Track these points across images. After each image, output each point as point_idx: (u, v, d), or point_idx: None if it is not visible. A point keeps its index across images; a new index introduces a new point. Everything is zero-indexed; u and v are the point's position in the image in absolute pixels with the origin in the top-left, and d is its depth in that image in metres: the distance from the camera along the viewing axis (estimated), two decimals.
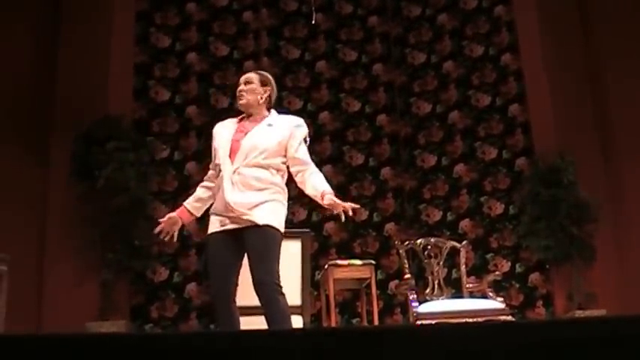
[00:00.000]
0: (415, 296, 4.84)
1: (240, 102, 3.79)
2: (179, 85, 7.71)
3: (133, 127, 7.30)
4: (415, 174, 7.66)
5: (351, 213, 3.57)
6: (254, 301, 3.52)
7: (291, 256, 4.91)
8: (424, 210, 7.54)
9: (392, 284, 7.19)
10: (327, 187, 3.63)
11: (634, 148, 7.13)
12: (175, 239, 3.82)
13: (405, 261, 5.15)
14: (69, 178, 6.91)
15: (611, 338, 2.13)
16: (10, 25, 6.87)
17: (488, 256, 7.34)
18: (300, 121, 3.81)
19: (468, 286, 5.22)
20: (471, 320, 4.61)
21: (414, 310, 4.77)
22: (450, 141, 7.71)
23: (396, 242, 5.41)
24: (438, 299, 5.04)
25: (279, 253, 3.55)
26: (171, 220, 3.77)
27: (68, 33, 7.42)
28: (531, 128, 7.59)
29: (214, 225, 3.64)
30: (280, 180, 3.68)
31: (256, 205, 3.53)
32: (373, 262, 5.69)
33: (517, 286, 7.22)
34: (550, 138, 7.35)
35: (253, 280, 3.47)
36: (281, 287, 3.48)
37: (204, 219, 3.89)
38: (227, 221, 3.58)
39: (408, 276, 5.02)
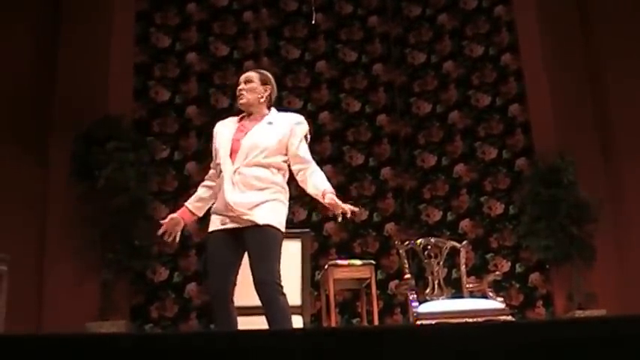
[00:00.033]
0: (415, 296, 4.84)
1: (241, 101, 3.78)
2: (179, 85, 7.71)
3: (133, 127, 7.31)
4: (415, 174, 7.66)
5: (349, 215, 3.57)
6: (254, 301, 3.51)
7: (291, 256, 4.91)
8: (424, 210, 7.54)
9: (392, 284, 7.19)
10: (328, 186, 3.63)
11: (634, 148, 7.13)
12: (177, 239, 3.82)
13: (405, 261, 5.15)
14: (69, 178, 6.91)
15: (611, 338, 2.13)
16: (10, 25, 6.87)
17: (488, 256, 7.34)
18: (301, 118, 3.81)
19: (468, 286, 5.22)
20: (471, 320, 4.62)
21: (414, 310, 4.77)
22: (450, 141, 7.71)
23: (396, 242, 5.42)
24: (438, 299, 5.04)
25: (279, 252, 3.55)
26: (173, 221, 3.76)
27: (68, 33, 7.42)
28: (531, 128, 7.59)
29: (215, 224, 3.63)
30: (281, 179, 3.67)
31: (257, 205, 3.53)
32: (373, 262, 5.69)
33: (517, 286, 7.21)
34: (550, 138, 7.35)
35: (254, 280, 3.47)
36: (282, 287, 3.47)
37: (204, 219, 3.89)
38: (227, 220, 3.57)
39: (408, 276, 5.02)
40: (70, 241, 6.74)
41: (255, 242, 3.50)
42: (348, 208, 3.56)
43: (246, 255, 3.56)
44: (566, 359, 2.11)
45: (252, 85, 3.78)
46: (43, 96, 7.14)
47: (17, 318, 5.63)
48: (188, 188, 6.87)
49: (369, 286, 5.60)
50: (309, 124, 3.86)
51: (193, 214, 3.81)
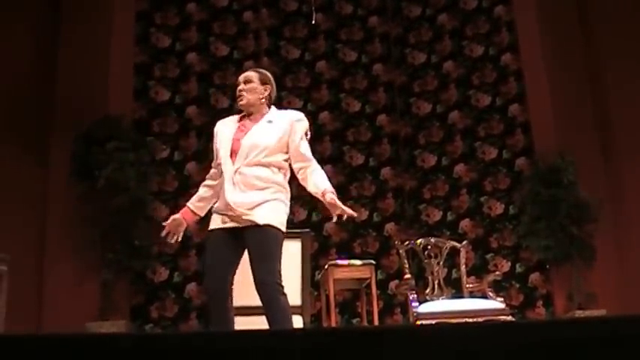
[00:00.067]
0: (415, 296, 4.84)
1: (241, 102, 3.76)
2: (179, 85, 7.71)
3: (133, 127, 7.31)
4: (415, 174, 7.66)
5: (345, 218, 3.56)
6: (254, 301, 3.51)
7: (291, 256, 4.91)
8: (424, 210, 7.54)
9: (392, 284, 7.19)
10: (328, 186, 3.62)
11: (634, 148, 7.13)
12: (180, 239, 3.81)
13: (405, 261, 5.15)
14: (69, 178, 6.91)
15: (611, 338, 2.13)
16: (10, 25, 6.87)
17: (488, 256, 7.34)
18: (301, 115, 3.79)
19: (468, 286, 5.22)
20: (470, 320, 4.62)
21: (414, 310, 4.77)
22: (450, 141, 7.71)
23: (396, 242, 5.41)
24: (438, 299, 5.04)
25: (280, 252, 3.54)
26: (176, 222, 3.75)
27: (68, 33, 7.43)
28: (531, 128, 7.59)
29: (215, 222, 3.63)
30: (282, 179, 3.66)
31: (257, 205, 3.52)
32: (373, 262, 5.69)
33: (517, 286, 7.21)
34: (550, 138, 7.35)
35: (255, 280, 3.46)
36: (283, 287, 3.46)
37: (205, 219, 3.88)
38: (228, 220, 3.57)
39: (408, 276, 5.01)
40: (70, 241, 6.74)
41: (256, 242, 3.50)
42: (347, 210, 3.55)
43: (246, 255, 3.56)
44: (566, 359, 2.11)
45: (252, 85, 3.76)
46: (43, 96, 7.14)
47: (17, 318, 5.63)
48: (188, 188, 6.88)
49: (369, 286, 5.60)
50: (309, 124, 3.85)
51: (195, 214, 3.80)
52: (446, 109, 7.80)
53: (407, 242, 5.29)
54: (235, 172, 3.59)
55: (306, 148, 3.71)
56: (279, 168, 3.66)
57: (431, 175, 7.64)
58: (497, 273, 5.60)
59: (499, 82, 7.82)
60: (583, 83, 7.62)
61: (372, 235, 7.42)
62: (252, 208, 3.51)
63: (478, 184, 7.56)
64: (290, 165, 3.73)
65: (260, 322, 3.52)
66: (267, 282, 3.44)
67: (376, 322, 5.67)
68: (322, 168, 3.76)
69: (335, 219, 3.57)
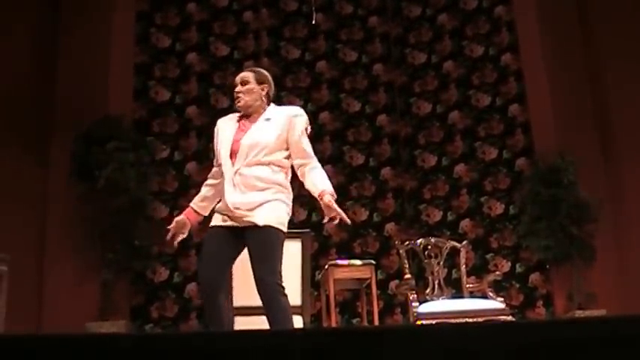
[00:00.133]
0: (415, 296, 4.84)
1: (239, 104, 3.72)
2: (179, 85, 7.71)
3: (133, 127, 7.31)
4: (415, 174, 7.66)
5: (336, 222, 3.53)
6: (254, 301, 3.50)
7: (291, 256, 4.90)
8: (424, 210, 7.54)
9: (392, 284, 7.19)
10: (327, 187, 3.58)
11: (634, 148, 7.13)
12: (184, 237, 3.79)
13: (405, 261, 5.14)
14: (69, 178, 6.91)
15: (611, 338, 2.13)
16: (10, 25, 6.87)
17: (489, 256, 7.34)
18: (299, 110, 3.74)
19: (468, 286, 5.22)
20: (471, 320, 4.61)
21: (414, 310, 4.77)
22: (450, 141, 7.71)
23: (396, 242, 5.42)
24: (438, 299, 5.04)
25: (281, 253, 3.52)
26: (180, 223, 3.73)
27: (68, 33, 7.42)
28: (531, 128, 7.59)
29: (216, 220, 3.61)
30: (283, 179, 3.63)
31: (258, 206, 3.50)
32: (373, 262, 5.69)
33: (517, 286, 7.21)
34: (550, 138, 7.35)
35: (255, 280, 3.44)
36: (283, 288, 3.44)
37: (205, 219, 3.87)
38: (229, 219, 3.56)
39: (408, 276, 5.01)
40: (69, 241, 6.74)
41: (257, 242, 3.48)
42: (342, 215, 3.52)
43: (247, 255, 3.55)
44: (566, 359, 2.11)
45: (249, 86, 3.72)
46: (43, 96, 7.14)
47: (17, 318, 5.63)
48: (188, 188, 6.89)
49: (369, 286, 5.60)
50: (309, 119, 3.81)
51: (199, 213, 3.78)
52: (446, 109, 7.80)
53: (407, 242, 5.30)
54: (235, 173, 3.57)
55: (306, 144, 3.67)
56: (280, 167, 3.62)
57: (431, 175, 7.64)
58: (497, 273, 5.60)
59: (499, 82, 7.82)
60: (583, 83, 7.62)
61: (372, 235, 7.42)
62: (252, 209, 3.49)
63: (478, 184, 7.56)
64: (291, 164, 3.70)
65: (260, 322, 3.51)
66: (268, 282, 3.42)
67: (376, 322, 5.67)
68: (322, 168, 3.73)
69: (326, 220, 3.53)
